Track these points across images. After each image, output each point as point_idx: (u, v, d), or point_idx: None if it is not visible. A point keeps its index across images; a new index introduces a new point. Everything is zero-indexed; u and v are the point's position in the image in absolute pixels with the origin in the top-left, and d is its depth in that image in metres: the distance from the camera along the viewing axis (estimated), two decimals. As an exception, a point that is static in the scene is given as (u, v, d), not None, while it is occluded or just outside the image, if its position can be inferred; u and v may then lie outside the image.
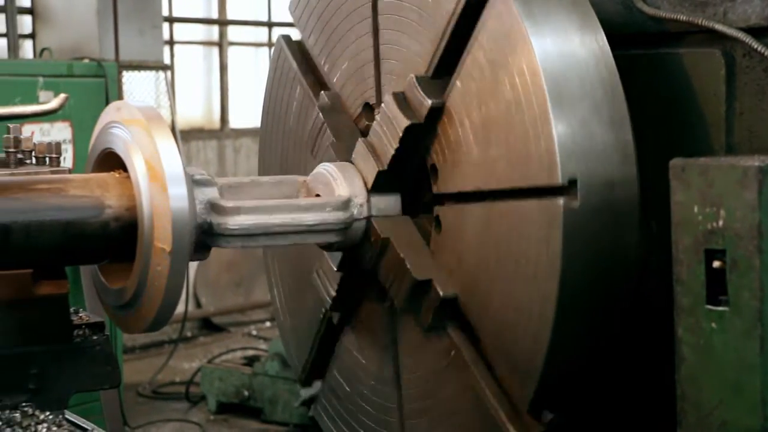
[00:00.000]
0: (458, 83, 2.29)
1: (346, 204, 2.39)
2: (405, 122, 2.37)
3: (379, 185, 2.46)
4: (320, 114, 2.66)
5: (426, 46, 2.40)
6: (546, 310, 2.04)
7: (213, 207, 2.23)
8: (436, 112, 2.35)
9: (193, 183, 2.21)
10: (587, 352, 2.13)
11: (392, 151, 2.40)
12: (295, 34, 2.98)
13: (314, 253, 2.72)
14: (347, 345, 2.70)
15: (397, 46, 2.53)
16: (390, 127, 2.40)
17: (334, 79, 2.76)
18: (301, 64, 2.87)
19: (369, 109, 2.58)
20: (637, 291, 2.15)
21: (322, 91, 2.67)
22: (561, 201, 2.04)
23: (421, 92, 2.35)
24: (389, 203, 2.48)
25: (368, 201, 2.45)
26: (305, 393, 2.97)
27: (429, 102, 2.34)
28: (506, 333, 2.14)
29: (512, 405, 2.13)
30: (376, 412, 2.56)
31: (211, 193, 2.25)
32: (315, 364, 2.82)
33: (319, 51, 2.81)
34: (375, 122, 2.47)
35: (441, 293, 2.25)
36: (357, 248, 2.46)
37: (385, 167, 2.43)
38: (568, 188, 2.05)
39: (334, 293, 2.56)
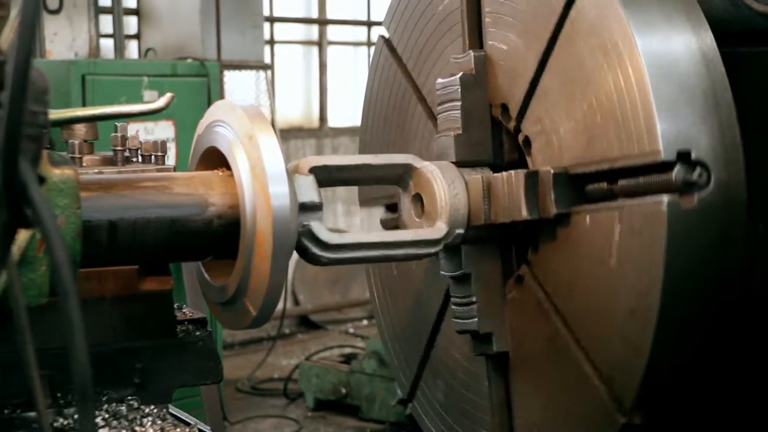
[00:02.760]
0: (554, 53, 2.28)
1: (438, 241, 2.37)
2: (457, 76, 2.44)
3: (464, 154, 2.45)
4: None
5: (532, 44, 2.36)
6: (649, 310, 2.00)
7: (313, 238, 2.23)
8: (481, 61, 2.44)
9: (299, 206, 2.21)
10: (691, 352, 2.08)
11: (459, 111, 2.43)
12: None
13: (416, 267, 2.71)
14: (443, 342, 2.69)
15: (501, 44, 2.50)
16: (450, 95, 2.45)
17: (427, 92, 2.75)
18: (401, 67, 2.88)
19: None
20: (743, 292, 2.10)
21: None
22: (665, 198, 2.00)
23: (460, 56, 2.40)
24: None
25: (467, 190, 2.42)
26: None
27: (471, 53, 2.43)
28: (606, 331, 2.11)
29: (617, 399, 2.10)
30: (474, 410, 2.55)
31: (315, 224, 2.25)
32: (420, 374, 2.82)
33: (413, 64, 2.81)
34: (438, 113, 2.49)
35: (551, 171, 2.23)
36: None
37: (461, 131, 2.44)
38: (674, 164, 2.01)
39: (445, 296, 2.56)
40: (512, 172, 2.29)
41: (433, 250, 2.36)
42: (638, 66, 2.04)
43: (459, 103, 2.43)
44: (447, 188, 2.37)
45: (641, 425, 2.06)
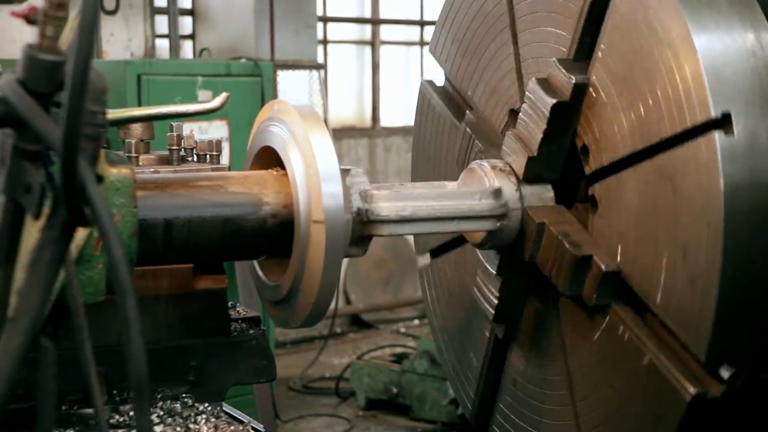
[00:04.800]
0: (600, 53, 2.25)
1: (497, 193, 2.37)
2: (551, 102, 2.33)
3: (530, 174, 2.42)
4: (467, 130, 2.64)
5: (564, 34, 2.36)
6: (712, 255, 1.97)
7: (365, 196, 2.25)
8: (581, 89, 2.31)
9: (346, 175, 2.23)
10: (763, 301, 2.05)
11: (540, 135, 2.36)
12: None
13: (472, 275, 2.71)
14: (514, 359, 2.66)
15: (536, 44, 2.49)
16: (536, 111, 2.36)
17: (478, 100, 2.75)
18: (444, 100, 2.91)
19: (514, 114, 2.55)
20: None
21: (468, 111, 2.68)
22: (717, 135, 1.98)
23: (565, 72, 2.32)
24: (542, 193, 2.44)
25: (520, 191, 2.42)
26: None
27: (573, 79, 2.31)
28: (674, 291, 2.08)
29: (690, 370, 2.06)
30: (552, 421, 2.52)
31: (362, 183, 2.27)
32: (486, 392, 2.80)
33: (462, 77, 2.82)
34: (521, 112, 2.44)
35: (603, 267, 2.20)
36: (514, 244, 2.44)
37: (535, 153, 2.39)
38: (723, 122, 1.99)
39: (496, 301, 2.54)
40: (566, 244, 2.29)
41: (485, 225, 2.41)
42: (690, 46, 2.03)
43: (543, 125, 2.37)
44: None
45: (715, 396, 2.02)
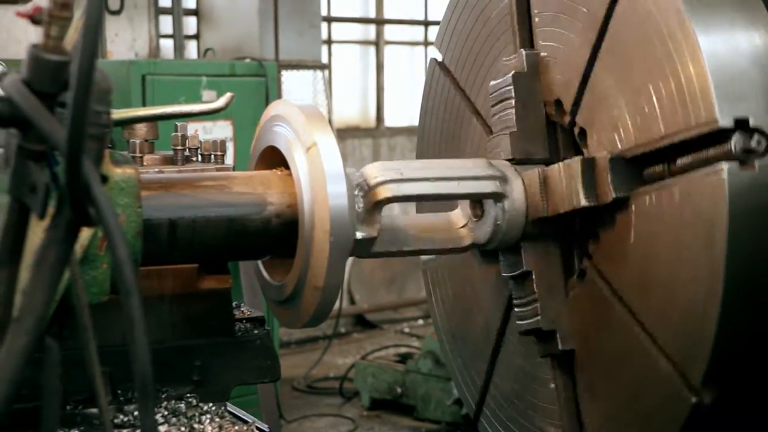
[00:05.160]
0: (602, 53, 2.28)
1: (490, 164, 2.38)
2: (510, 74, 2.45)
3: (518, 152, 2.45)
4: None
5: (582, 35, 2.36)
6: (714, 281, 1.97)
7: (360, 174, 2.28)
8: (533, 58, 2.45)
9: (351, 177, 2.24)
10: (760, 324, 2.04)
11: (513, 109, 2.45)
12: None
13: (476, 274, 2.71)
14: (508, 350, 2.66)
15: (551, 42, 2.49)
16: (502, 93, 2.47)
17: (482, 104, 2.74)
18: (454, 84, 2.90)
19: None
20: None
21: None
22: (725, 165, 1.97)
23: (512, 56, 2.43)
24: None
25: (515, 169, 2.42)
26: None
27: (523, 52, 2.45)
28: (671, 310, 2.09)
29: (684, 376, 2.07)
30: (542, 416, 2.53)
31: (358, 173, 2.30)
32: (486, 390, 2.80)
33: (465, 81, 2.82)
34: (493, 112, 2.49)
35: (608, 156, 2.21)
36: (518, 247, 2.44)
37: (515, 128, 2.44)
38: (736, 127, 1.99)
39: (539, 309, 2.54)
40: (567, 160, 2.27)
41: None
42: (692, 43, 2.01)
43: (512, 102, 2.43)
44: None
45: (712, 405, 2.02)
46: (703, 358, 2.00)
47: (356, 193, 2.23)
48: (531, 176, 2.36)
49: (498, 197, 2.35)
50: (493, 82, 2.50)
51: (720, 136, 1.97)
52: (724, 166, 1.94)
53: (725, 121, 1.95)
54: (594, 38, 2.26)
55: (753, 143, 1.95)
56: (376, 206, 2.24)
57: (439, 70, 2.92)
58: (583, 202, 2.23)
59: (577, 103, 2.34)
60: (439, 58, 2.92)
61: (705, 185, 1.98)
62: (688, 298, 2.03)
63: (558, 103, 2.40)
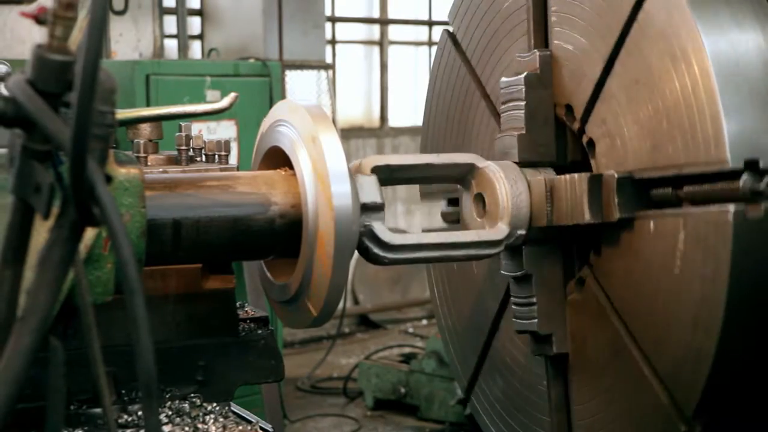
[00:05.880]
0: (623, 54, 2.26)
1: (500, 242, 2.36)
2: (522, 76, 2.42)
3: (526, 154, 2.42)
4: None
5: (598, 46, 2.34)
6: (713, 319, 1.98)
7: (375, 238, 2.24)
8: (546, 59, 2.42)
9: (362, 207, 2.22)
10: (755, 363, 2.05)
11: (523, 111, 2.41)
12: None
13: (480, 273, 2.71)
14: (502, 340, 2.67)
15: (566, 44, 2.48)
16: (514, 92, 2.44)
17: (490, 90, 2.73)
18: (465, 61, 2.86)
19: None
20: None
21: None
22: (732, 207, 1.97)
23: (525, 54, 2.38)
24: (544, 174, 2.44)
25: (529, 190, 2.41)
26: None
27: (537, 52, 2.41)
28: (668, 337, 2.09)
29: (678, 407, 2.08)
30: (532, 409, 2.53)
31: (378, 224, 2.26)
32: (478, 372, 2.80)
33: (477, 61, 2.80)
34: (502, 111, 2.47)
35: (615, 174, 2.19)
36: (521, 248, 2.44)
37: (524, 130, 2.43)
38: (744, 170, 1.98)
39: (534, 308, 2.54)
40: (575, 175, 2.27)
41: (494, 251, 2.35)
42: (707, 72, 2.00)
43: (523, 103, 2.42)
44: (509, 188, 2.35)
45: None
46: (696, 392, 2.01)
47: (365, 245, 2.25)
48: (537, 184, 2.35)
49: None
50: (504, 79, 2.48)
51: (730, 173, 1.98)
52: (731, 208, 1.95)
53: (735, 163, 1.96)
54: (610, 50, 2.25)
55: (762, 186, 1.96)
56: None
57: (450, 44, 2.88)
58: (588, 219, 2.23)
59: (588, 112, 2.33)
60: (451, 29, 2.89)
61: (711, 224, 1.99)
62: (686, 329, 2.04)
63: (569, 108, 2.39)
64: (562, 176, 2.31)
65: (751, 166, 1.96)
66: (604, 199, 2.21)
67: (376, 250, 2.24)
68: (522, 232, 2.35)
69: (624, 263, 2.21)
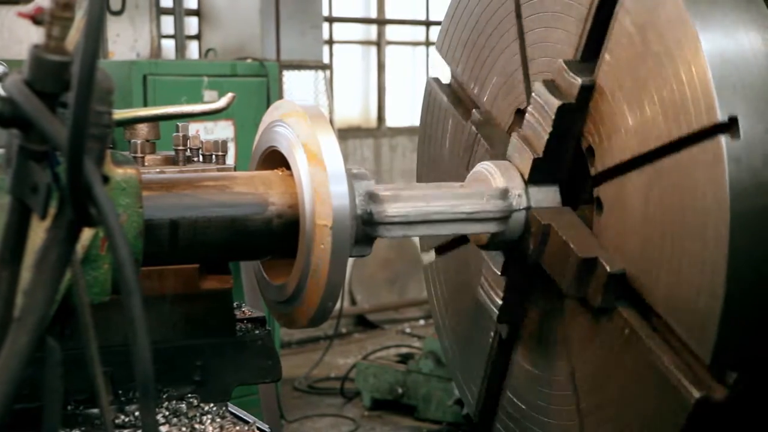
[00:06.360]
0: (607, 56, 2.25)
1: (504, 193, 2.37)
2: (556, 103, 2.33)
3: (536, 175, 2.42)
4: (473, 129, 2.64)
5: (571, 34, 2.36)
6: (718, 257, 1.96)
7: (371, 196, 2.25)
8: (588, 91, 2.30)
9: (352, 176, 2.23)
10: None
11: (546, 136, 2.36)
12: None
13: (476, 274, 2.71)
14: (519, 360, 2.66)
15: (542, 43, 2.49)
16: (542, 112, 2.36)
17: (485, 99, 2.74)
18: (450, 98, 2.90)
19: (521, 114, 2.55)
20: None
21: (474, 110, 2.66)
22: (723, 138, 1.97)
23: (571, 74, 2.31)
24: (548, 194, 2.44)
25: (526, 192, 2.41)
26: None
27: (579, 81, 2.31)
28: (679, 293, 2.07)
29: (694, 373, 2.06)
30: (557, 421, 2.51)
31: (368, 185, 2.27)
32: (489, 392, 2.79)
33: (468, 76, 2.81)
34: (527, 113, 2.44)
35: (608, 269, 2.20)
36: (519, 244, 2.43)
37: (540, 154, 2.39)
38: (729, 125, 1.98)
39: (500, 302, 2.54)
40: (572, 245, 2.28)
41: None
42: (699, 57, 2.02)
43: (549, 128, 2.37)
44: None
45: (721, 400, 2.02)
46: (710, 342, 1.99)
47: (360, 211, 2.25)
48: (535, 221, 2.37)
49: (499, 236, 2.38)
50: (539, 87, 2.39)
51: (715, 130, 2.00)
52: (722, 137, 1.96)
53: (722, 117, 1.97)
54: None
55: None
56: (374, 238, 2.30)
57: (436, 88, 2.95)
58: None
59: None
60: (440, 58, 2.93)
61: (705, 156, 1.99)
62: (693, 275, 2.03)
63: (590, 150, 2.36)
64: (560, 232, 2.33)
65: (733, 122, 1.97)
66: (592, 283, 2.26)
67: (377, 209, 2.24)
68: (519, 191, 2.42)
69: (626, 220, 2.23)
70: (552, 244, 2.32)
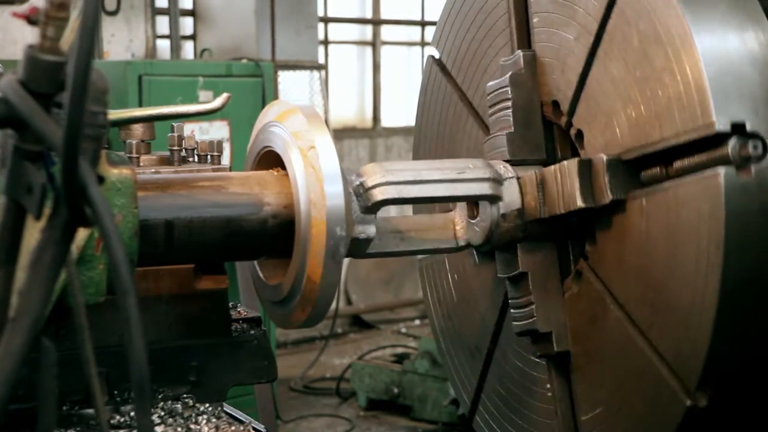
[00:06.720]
0: (601, 52, 2.27)
1: (487, 164, 2.39)
2: (507, 77, 2.45)
3: (515, 152, 2.43)
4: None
5: (580, 37, 2.36)
6: (710, 287, 1.97)
7: (357, 172, 2.28)
8: (529, 58, 2.44)
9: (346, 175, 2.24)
10: (755, 330, 2.04)
11: (510, 109, 2.43)
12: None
13: (472, 274, 2.71)
14: (503, 349, 2.66)
15: (549, 43, 2.50)
16: (500, 93, 2.47)
17: (478, 102, 2.75)
18: (450, 81, 2.90)
19: None
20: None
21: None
22: (722, 170, 1.97)
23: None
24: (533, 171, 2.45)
25: (513, 170, 2.42)
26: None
27: (520, 52, 2.44)
28: (667, 314, 2.09)
29: (683, 383, 2.07)
30: (552, 421, 2.52)
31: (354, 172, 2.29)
32: (485, 392, 2.80)
33: (462, 78, 2.82)
34: (491, 109, 2.48)
35: (604, 158, 2.21)
36: (514, 247, 2.44)
37: (512, 128, 2.43)
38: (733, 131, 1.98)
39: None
40: (564, 162, 2.28)
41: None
42: (690, 47, 2.02)
43: (510, 103, 2.43)
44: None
45: (707, 408, 2.03)
46: (699, 360, 2.00)
47: (352, 193, 2.24)
48: (527, 178, 2.36)
49: (493, 199, 2.35)
50: (490, 83, 2.51)
51: (717, 139, 1.97)
52: (721, 171, 1.94)
53: (722, 126, 1.95)
54: (592, 40, 2.27)
55: (749, 149, 1.96)
56: (372, 208, 2.25)
57: (436, 68, 2.92)
58: (580, 204, 2.23)
59: (574, 105, 2.34)
60: (437, 55, 2.92)
61: (702, 189, 1.98)
62: (685, 301, 2.03)
63: (555, 104, 2.40)
64: (552, 166, 2.32)
65: (739, 129, 1.95)
66: (595, 183, 2.22)
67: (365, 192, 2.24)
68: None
69: (619, 247, 2.21)
70: (548, 180, 2.33)
